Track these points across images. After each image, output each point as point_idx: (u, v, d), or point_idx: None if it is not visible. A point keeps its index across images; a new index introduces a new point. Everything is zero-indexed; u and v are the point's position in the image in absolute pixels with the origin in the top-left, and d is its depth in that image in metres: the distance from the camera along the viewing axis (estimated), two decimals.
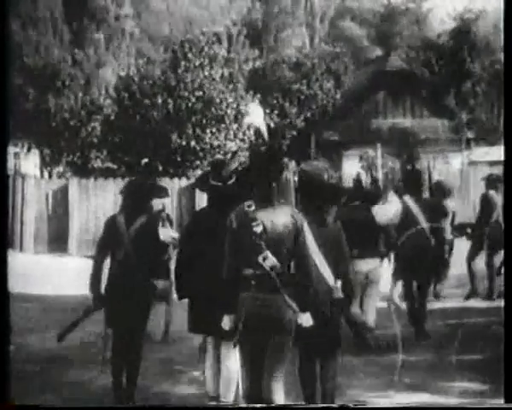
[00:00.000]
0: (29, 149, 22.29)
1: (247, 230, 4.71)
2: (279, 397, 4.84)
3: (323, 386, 5.52)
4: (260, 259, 4.69)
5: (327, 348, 5.50)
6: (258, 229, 4.70)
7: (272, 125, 24.06)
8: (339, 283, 5.45)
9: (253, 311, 4.72)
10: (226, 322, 4.87)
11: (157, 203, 7.03)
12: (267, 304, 4.72)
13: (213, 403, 5.76)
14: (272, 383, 4.80)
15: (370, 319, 7.84)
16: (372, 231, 7.75)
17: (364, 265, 7.67)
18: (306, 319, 4.86)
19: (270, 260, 4.69)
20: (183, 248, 5.96)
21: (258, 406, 5.15)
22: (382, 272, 7.96)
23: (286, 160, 23.24)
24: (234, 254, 4.81)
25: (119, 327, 6.05)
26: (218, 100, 21.09)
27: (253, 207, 4.76)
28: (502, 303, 5.82)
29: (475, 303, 10.21)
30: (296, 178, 18.94)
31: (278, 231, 4.74)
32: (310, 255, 4.96)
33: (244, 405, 5.26)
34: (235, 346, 4.86)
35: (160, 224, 7.07)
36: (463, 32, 26.53)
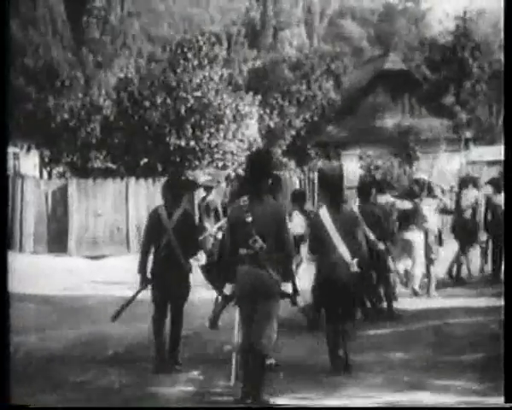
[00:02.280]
0: (29, 150, 22.32)
1: (241, 219, 5.94)
2: (267, 346, 5.93)
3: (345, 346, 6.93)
4: (251, 242, 5.89)
5: (344, 313, 7.00)
6: (249, 219, 5.89)
7: (272, 125, 24.09)
8: (355, 260, 6.96)
9: (246, 281, 5.96)
10: (228, 288, 6.19)
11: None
12: (257, 276, 5.93)
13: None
14: (262, 340, 5.91)
15: (417, 273, 10.64)
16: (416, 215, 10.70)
17: (409, 235, 10.53)
18: (287, 288, 6.06)
19: (258, 243, 5.88)
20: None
21: (259, 406, 5.66)
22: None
23: (285, 160, 23.37)
24: (232, 238, 6.09)
25: (165, 299, 7.20)
26: (217, 100, 21.07)
27: (246, 202, 5.98)
28: (502, 302, 5.83)
29: (475, 302, 10.24)
30: (296, 176, 20.05)
31: (265, 221, 5.93)
32: (290, 239, 6.09)
33: (244, 405, 5.68)
34: (234, 306, 6.36)
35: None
36: (463, 31, 26.55)
